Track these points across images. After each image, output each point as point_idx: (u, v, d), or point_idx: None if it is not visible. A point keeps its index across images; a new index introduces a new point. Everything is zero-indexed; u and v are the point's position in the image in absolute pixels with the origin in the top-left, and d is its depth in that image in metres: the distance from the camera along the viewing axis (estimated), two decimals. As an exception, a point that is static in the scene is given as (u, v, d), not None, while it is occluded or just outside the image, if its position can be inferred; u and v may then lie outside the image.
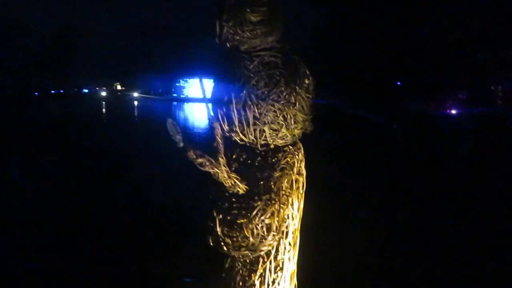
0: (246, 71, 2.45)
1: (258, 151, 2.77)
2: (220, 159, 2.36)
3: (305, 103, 2.79)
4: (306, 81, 2.81)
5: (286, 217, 2.82)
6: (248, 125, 2.54)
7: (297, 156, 2.96)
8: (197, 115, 37.02)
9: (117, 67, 63.88)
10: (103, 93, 68.80)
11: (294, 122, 2.75)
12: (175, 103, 60.21)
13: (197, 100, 61.59)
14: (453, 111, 35.72)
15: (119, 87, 72.96)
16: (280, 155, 2.83)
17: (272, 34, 2.51)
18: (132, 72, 63.45)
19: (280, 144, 2.82)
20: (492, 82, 31.56)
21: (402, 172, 11.72)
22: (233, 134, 2.63)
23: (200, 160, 2.26)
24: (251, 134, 2.62)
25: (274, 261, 2.81)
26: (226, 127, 2.59)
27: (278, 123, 2.64)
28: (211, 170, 2.34)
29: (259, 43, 2.48)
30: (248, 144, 2.74)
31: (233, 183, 2.44)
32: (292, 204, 2.87)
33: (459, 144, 18.54)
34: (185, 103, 58.22)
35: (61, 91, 62.07)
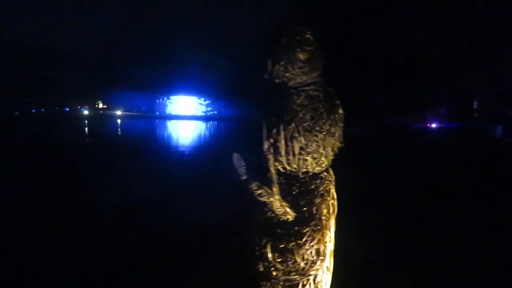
0: (294, 105, 2.61)
1: (298, 178, 2.92)
2: (274, 189, 2.49)
3: (340, 132, 2.97)
4: (340, 112, 3.00)
5: (325, 241, 2.96)
6: (294, 155, 2.69)
7: (332, 182, 3.12)
8: (182, 133, 36.94)
9: (99, 85, 63.32)
10: (85, 112, 67.68)
11: (332, 150, 2.93)
12: (157, 120, 59.98)
13: (181, 118, 61.82)
14: (433, 125, 36.98)
15: (101, 106, 72.12)
16: (318, 181, 2.99)
17: (317, 70, 2.69)
18: (114, 90, 62.96)
19: (317, 171, 2.98)
20: (471, 97, 32.76)
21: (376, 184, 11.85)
22: (277, 163, 2.78)
23: (259, 191, 2.39)
24: (295, 163, 2.77)
25: (314, 284, 2.93)
26: (271, 157, 2.73)
27: (320, 152, 2.80)
28: (267, 200, 2.47)
29: (305, 79, 2.65)
30: (288, 172, 2.90)
31: (284, 210, 2.57)
32: (329, 229, 3.01)
33: (438, 157, 19.07)
34: (169, 121, 58.04)
35: (43, 110, 61.06)
